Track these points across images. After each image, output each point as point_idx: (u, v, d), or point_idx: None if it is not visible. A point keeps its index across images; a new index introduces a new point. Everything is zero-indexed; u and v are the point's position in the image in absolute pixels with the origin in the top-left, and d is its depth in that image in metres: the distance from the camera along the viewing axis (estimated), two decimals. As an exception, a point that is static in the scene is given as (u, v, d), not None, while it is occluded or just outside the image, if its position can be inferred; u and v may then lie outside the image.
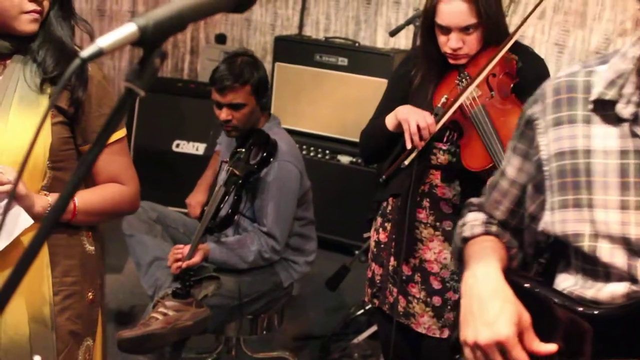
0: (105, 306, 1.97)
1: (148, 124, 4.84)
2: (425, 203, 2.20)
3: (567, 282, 1.34)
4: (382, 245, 2.36)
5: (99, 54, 0.75)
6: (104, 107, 1.75)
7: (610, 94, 1.23)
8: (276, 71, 4.64)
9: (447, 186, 2.17)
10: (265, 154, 2.71)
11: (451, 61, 2.13)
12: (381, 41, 4.71)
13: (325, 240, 4.38)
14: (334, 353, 3.48)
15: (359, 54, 4.44)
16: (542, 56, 4.10)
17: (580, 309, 1.27)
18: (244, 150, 2.74)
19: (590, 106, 1.26)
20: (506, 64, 2.04)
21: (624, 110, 1.22)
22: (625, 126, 1.23)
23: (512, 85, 2.02)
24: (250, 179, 2.73)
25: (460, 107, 2.04)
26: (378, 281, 2.38)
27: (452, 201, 2.17)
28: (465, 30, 2.05)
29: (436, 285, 2.21)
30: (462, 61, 2.11)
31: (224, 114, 2.78)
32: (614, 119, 1.24)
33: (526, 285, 1.34)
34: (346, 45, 4.56)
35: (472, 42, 2.07)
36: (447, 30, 2.07)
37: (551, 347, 1.26)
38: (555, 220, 1.29)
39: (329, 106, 4.50)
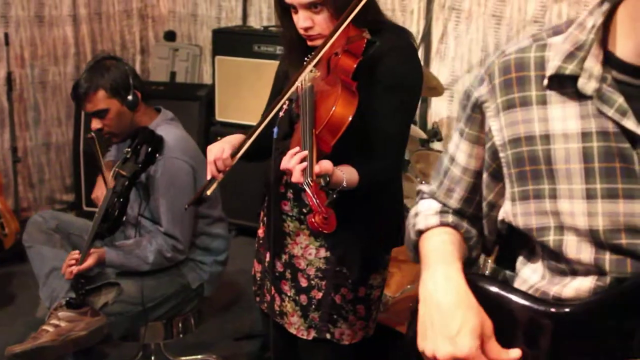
0: None
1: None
2: (290, 195, 2.08)
3: (533, 277, 1.25)
4: (261, 241, 2.26)
5: None
6: None
7: (570, 68, 1.11)
8: (217, 65, 4.52)
9: None
10: (149, 150, 2.61)
11: (309, 43, 2.02)
12: (323, 26, 4.58)
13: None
14: (273, 351, 3.39)
15: (296, 41, 4.32)
16: (480, 29, 4.03)
17: (542, 308, 1.18)
18: (130, 150, 2.64)
19: (546, 82, 1.14)
20: (351, 43, 1.90)
21: (586, 86, 1.10)
22: (587, 104, 1.11)
23: (355, 65, 1.88)
24: (137, 178, 2.63)
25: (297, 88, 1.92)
26: (258, 278, 2.27)
27: None
28: (312, 7, 1.93)
29: (303, 282, 2.08)
30: (318, 42, 1.99)
31: (93, 124, 2.70)
32: (574, 97, 1.12)
33: (488, 288, 1.24)
34: (283, 33, 4.43)
35: (321, 22, 1.95)
36: (296, 10, 1.97)
37: (515, 354, 1.18)
38: (517, 212, 1.19)
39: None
